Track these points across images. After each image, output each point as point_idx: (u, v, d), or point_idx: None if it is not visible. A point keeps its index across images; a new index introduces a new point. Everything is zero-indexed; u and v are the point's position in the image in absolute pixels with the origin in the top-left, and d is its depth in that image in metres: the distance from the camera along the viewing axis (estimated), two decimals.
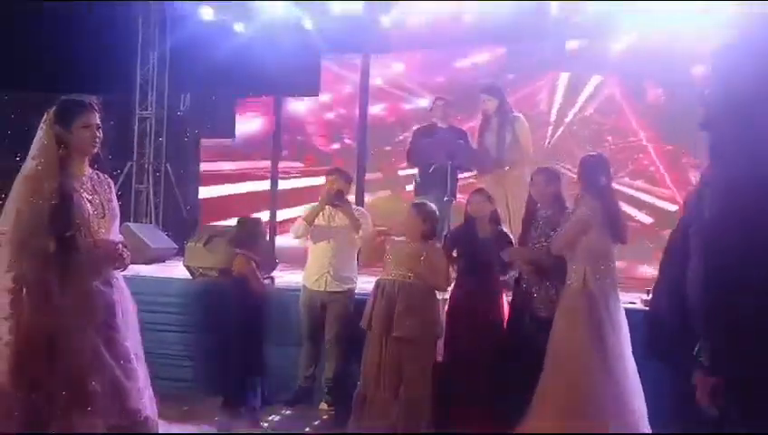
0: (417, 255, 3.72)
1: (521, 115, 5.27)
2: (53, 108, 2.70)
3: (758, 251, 1.59)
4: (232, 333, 4.55)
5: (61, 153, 2.62)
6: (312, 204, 4.50)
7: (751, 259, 1.59)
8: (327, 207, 4.38)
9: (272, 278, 4.76)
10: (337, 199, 4.34)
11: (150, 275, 5.35)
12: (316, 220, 4.39)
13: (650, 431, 3.27)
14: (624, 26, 6.24)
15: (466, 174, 5.63)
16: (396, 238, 3.87)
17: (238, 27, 7.42)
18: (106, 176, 2.84)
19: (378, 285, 3.78)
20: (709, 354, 1.63)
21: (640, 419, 3.27)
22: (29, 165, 2.64)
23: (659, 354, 1.93)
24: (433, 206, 3.93)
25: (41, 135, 2.66)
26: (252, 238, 4.26)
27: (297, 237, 4.48)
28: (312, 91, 7.75)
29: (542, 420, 3.30)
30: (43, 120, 2.67)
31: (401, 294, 3.65)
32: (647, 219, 6.51)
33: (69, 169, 2.64)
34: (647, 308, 3.54)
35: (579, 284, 3.37)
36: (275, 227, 7.59)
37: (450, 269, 3.92)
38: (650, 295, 1.95)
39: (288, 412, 4.31)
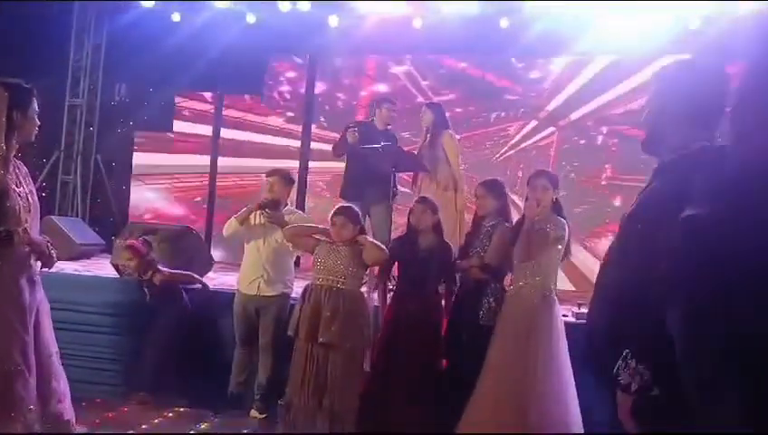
0: (345, 257, 3.67)
1: (450, 130, 5.29)
2: (9, 91, 2.50)
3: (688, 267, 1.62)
4: (160, 335, 4.42)
5: (10, 142, 2.45)
6: (249, 206, 4.37)
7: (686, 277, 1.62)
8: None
9: (203, 283, 4.66)
10: (269, 208, 4.16)
11: (75, 272, 5.10)
12: (252, 221, 4.28)
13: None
14: (573, 45, 6.39)
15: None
16: (324, 241, 3.76)
17: (178, 18, 7.17)
18: (21, 163, 2.66)
19: (306, 289, 3.72)
20: (630, 373, 1.65)
21: (578, 429, 3.30)
22: None
23: (597, 368, 1.95)
24: (357, 208, 3.88)
25: None
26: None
27: (228, 236, 4.36)
28: (256, 89, 7.60)
29: (477, 425, 3.31)
30: None
31: (329, 299, 3.59)
32: None
33: (9, 161, 2.48)
34: (580, 321, 3.63)
35: (528, 293, 3.43)
36: (211, 225, 7.39)
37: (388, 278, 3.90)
38: (584, 309, 1.97)
39: (216, 419, 4.16)
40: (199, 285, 4.65)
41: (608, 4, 6.13)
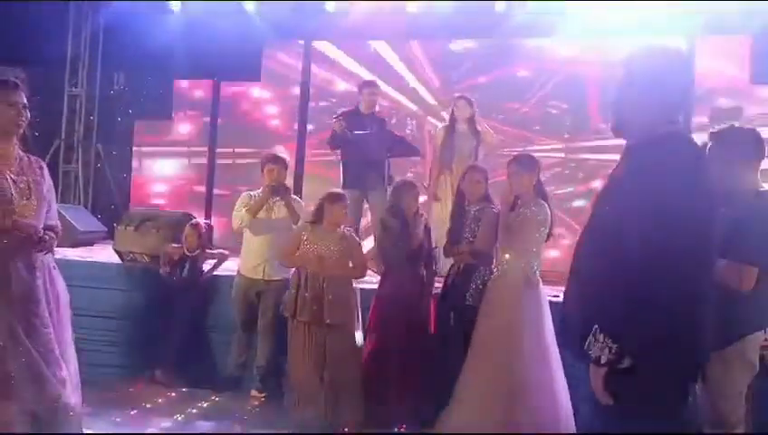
0: (337, 243, 3.80)
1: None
2: None
3: (661, 249, 1.71)
4: (162, 317, 4.56)
5: None
6: (250, 192, 4.45)
7: (652, 256, 1.71)
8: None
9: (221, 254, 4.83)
10: (280, 192, 4.30)
11: (78, 258, 5.21)
12: (264, 213, 4.33)
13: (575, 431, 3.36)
14: (568, 27, 6.38)
15: None
16: (314, 226, 3.88)
17: (174, 6, 7.22)
18: (38, 159, 2.79)
19: (300, 273, 3.83)
20: (600, 346, 1.74)
21: (568, 416, 3.32)
22: None
23: (570, 347, 2.05)
24: (345, 194, 4.01)
25: None
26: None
27: (238, 228, 4.43)
28: (253, 76, 7.64)
29: (466, 405, 3.39)
30: None
31: (327, 283, 3.73)
32: None
33: None
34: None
35: (511, 275, 3.50)
36: (210, 214, 7.50)
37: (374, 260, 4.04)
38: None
39: (218, 399, 4.30)
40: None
41: None
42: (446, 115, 5.73)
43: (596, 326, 1.76)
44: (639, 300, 1.69)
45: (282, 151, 5.80)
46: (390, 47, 7.29)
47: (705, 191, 1.78)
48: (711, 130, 2.75)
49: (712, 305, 1.80)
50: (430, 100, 7.21)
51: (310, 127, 7.47)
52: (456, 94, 5.59)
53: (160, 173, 7.89)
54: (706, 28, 6.20)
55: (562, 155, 6.88)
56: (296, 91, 7.58)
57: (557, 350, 3.35)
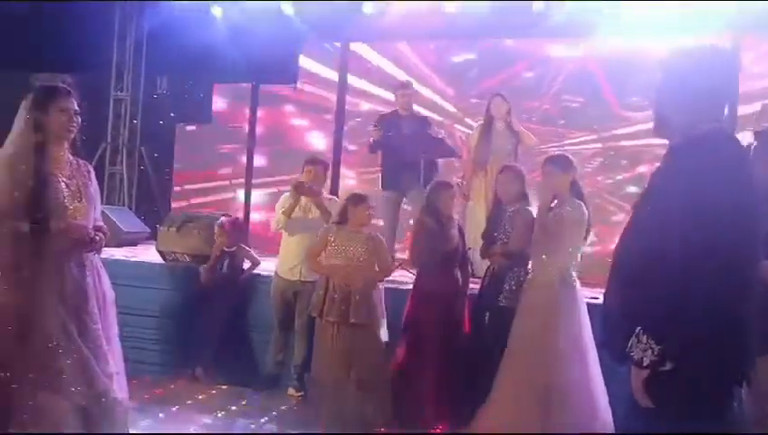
0: (363, 244, 3.84)
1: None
2: (31, 93, 2.73)
3: (705, 249, 1.68)
4: (202, 316, 4.66)
5: (38, 138, 2.67)
6: (286, 193, 4.51)
7: (696, 256, 1.68)
8: (303, 199, 4.38)
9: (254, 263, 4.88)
10: (304, 191, 4.31)
11: (123, 258, 5.35)
12: (296, 213, 4.40)
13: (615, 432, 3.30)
14: (606, 27, 6.29)
15: None
16: (340, 228, 3.92)
17: (216, 12, 7.38)
18: (86, 162, 2.90)
19: (332, 270, 3.86)
20: (642, 348, 1.72)
21: (605, 416, 3.29)
22: (7, 148, 2.69)
23: (609, 348, 2.03)
24: (368, 196, 4.04)
25: (19, 120, 2.71)
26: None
27: (277, 230, 4.51)
28: (290, 79, 7.74)
29: (502, 405, 3.39)
30: (21, 106, 2.72)
31: (353, 283, 3.77)
32: None
33: (46, 154, 2.68)
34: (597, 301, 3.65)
35: (547, 277, 3.48)
36: (249, 212, 7.62)
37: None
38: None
39: (257, 396, 4.37)
40: (256, 264, 4.87)
41: None
42: (470, 121, 5.71)
43: (639, 328, 1.74)
44: (683, 301, 1.67)
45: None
46: (396, 65, 7.43)
47: (748, 190, 1.75)
48: (755, 130, 2.68)
49: (757, 307, 1.77)
50: (450, 108, 7.28)
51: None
52: (493, 93, 5.55)
53: (201, 175, 8.07)
54: (757, 26, 6.02)
55: (599, 145, 6.87)
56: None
57: (595, 350, 3.32)
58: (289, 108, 7.97)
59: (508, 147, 5.24)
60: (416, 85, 6.52)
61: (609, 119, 6.80)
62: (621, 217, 5.63)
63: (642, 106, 6.42)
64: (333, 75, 7.67)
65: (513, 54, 7.16)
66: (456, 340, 3.82)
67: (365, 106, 7.57)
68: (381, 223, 5.21)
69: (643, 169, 6.44)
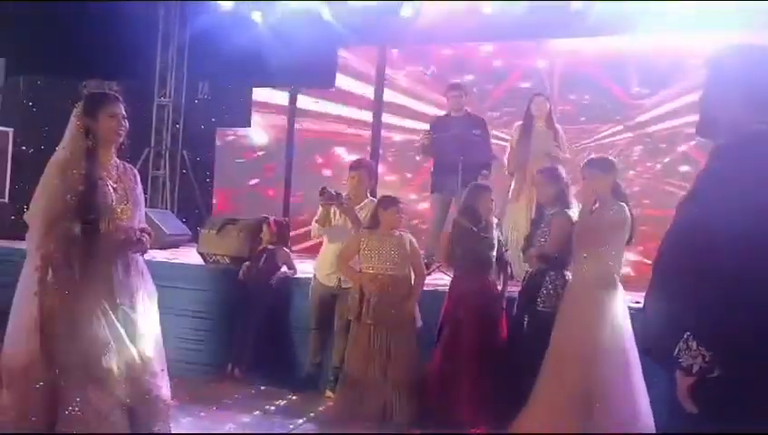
0: (396, 247, 3.87)
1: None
2: (82, 100, 2.84)
3: (755, 252, 1.63)
4: (241, 316, 4.73)
5: (88, 143, 2.76)
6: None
7: (746, 260, 1.63)
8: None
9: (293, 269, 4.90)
10: (331, 198, 4.27)
11: (165, 260, 5.47)
12: (333, 220, 4.40)
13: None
14: (643, 25, 6.21)
15: None
16: (372, 232, 3.95)
17: (256, 17, 7.50)
18: (132, 166, 2.99)
19: (362, 277, 3.92)
20: (692, 354, 1.68)
21: (647, 419, 3.26)
22: (59, 153, 2.80)
23: (651, 353, 1.98)
24: (398, 198, 4.06)
25: (70, 126, 2.81)
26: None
27: (315, 237, 4.56)
28: (328, 83, 7.81)
29: (543, 407, 3.37)
30: (73, 113, 2.82)
31: (390, 285, 3.82)
32: None
33: (96, 158, 2.78)
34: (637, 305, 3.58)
35: (590, 280, 3.43)
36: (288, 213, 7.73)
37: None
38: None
39: (294, 398, 4.41)
40: (291, 271, 4.88)
41: None
42: (498, 133, 5.71)
43: (688, 333, 1.70)
44: (734, 307, 1.62)
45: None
46: (405, 93, 7.51)
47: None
48: None
49: None
50: None
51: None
52: (535, 92, 5.54)
53: (240, 179, 8.20)
54: None
55: (630, 134, 6.85)
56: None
57: (636, 354, 3.26)
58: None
59: (546, 147, 5.16)
60: (433, 109, 6.57)
61: (627, 110, 6.82)
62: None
63: (643, 94, 6.66)
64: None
65: (505, 68, 7.31)
66: (493, 342, 3.80)
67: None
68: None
69: (684, 147, 6.51)
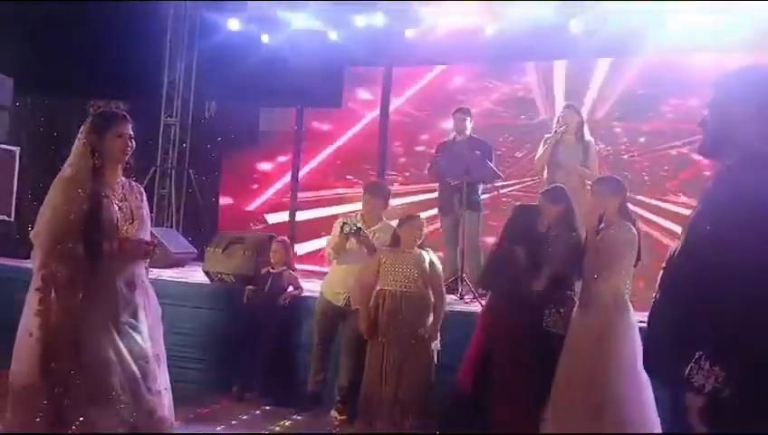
0: (414, 264, 3.85)
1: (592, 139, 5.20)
2: (89, 119, 2.87)
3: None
4: (247, 336, 4.70)
5: (94, 161, 2.77)
6: (343, 220, 4.31)
7: (759, 280, 1.62)
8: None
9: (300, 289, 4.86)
10: (351, 230, 4.18)
11: (170, 278, 5.47)
12: (347, 245, 4.31)
13: None
14: (645, 46, 6.24)
15: None
16: (392, 250, 3.93)
17: (264, 38, 7.58)
18: (138, 184, 3.00)
19: (378, 295, 3.89)
20: (705, 374, 1.66)
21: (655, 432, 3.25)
22: (65, 172, 2.80)
23: (656, 371, 1.97)
24: (418, 215, 4.05)
25: (77, 144, 2.82)
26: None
27: (331, 260, 4.54)
28: (335, 102, 7.86)
29: (555, 421, 3.38)
30: (80, 131, 2.84)
31: (405, 303, 3.80)
32: None
33: (101, 177, 2.79)
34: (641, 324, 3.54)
35: (599, 300, 3.43)
36: (294, 235, 7.72)
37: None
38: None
39: (299, 417, 4.37)
40: (298, 291, 4.84)
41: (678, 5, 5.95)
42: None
43: (700, 353, 1.68)
44: (747, 327, 1.61)
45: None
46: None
47: None
48: None
49: None
50: None
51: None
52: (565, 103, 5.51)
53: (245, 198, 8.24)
54: None
55: (635, 154, 6.83)
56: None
57: (646, 376, 3.23)
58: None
59: (575, 160, 5.00)
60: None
61: (621, 131, 6.85)
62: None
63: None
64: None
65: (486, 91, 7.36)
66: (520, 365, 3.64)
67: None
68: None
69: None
